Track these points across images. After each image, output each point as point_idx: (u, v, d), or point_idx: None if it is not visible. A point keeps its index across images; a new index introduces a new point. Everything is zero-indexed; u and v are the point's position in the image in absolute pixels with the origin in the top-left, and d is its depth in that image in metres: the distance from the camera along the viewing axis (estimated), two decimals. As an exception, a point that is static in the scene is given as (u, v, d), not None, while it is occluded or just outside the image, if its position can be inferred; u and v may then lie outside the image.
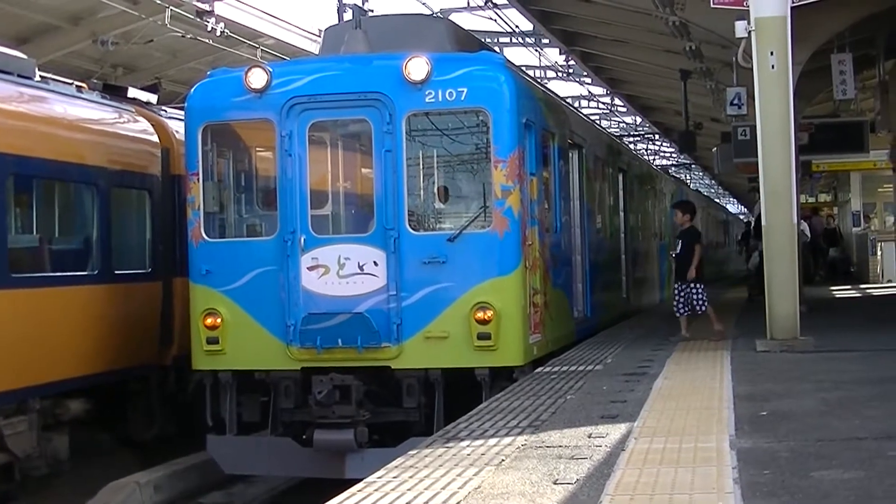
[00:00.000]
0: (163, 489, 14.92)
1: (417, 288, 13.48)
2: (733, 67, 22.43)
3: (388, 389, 13.80)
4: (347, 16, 20.49)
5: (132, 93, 18.15)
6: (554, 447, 8.87)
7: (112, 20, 25.55)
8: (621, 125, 51.16)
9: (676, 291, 16.86)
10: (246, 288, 13.89)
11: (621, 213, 23.08)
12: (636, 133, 51.39)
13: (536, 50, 35.34)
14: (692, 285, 16.63)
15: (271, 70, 13.97)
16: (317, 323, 13.60)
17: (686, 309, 16.77)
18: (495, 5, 29.27)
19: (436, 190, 14.42)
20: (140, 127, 17.10)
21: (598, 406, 10.83)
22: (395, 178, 13.57)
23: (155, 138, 17.20)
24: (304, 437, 13.88)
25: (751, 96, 18.41)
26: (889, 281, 35.43)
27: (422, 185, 14.28)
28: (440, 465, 8.44)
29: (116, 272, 15.91)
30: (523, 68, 26.71)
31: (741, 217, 77.84)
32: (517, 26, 32.06)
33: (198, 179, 14.19)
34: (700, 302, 16.71)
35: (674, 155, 59.10)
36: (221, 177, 14.73)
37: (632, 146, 45.37)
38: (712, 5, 15.86)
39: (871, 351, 14.87)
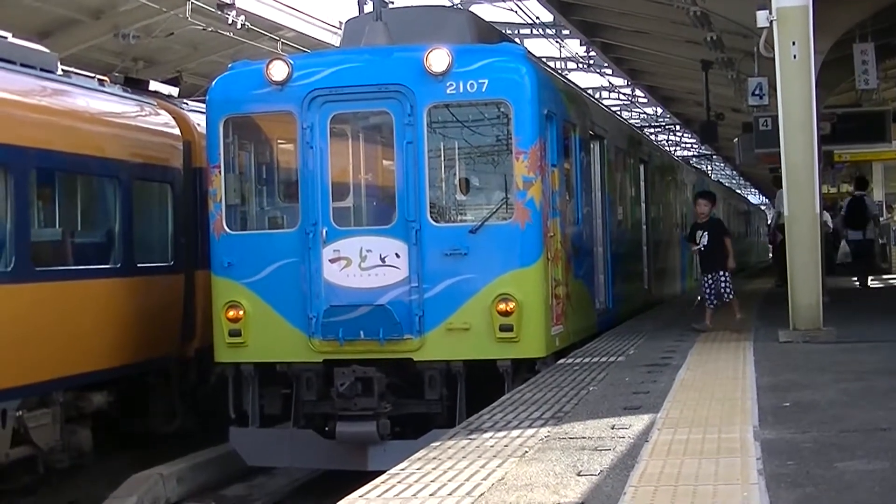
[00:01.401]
0: (185, 481, 14.98)
1: (439, 280, 13.48)
2: (755, 57, 22.35)
3: (410, 381, 13.80)
4: (368, 8, 20.47)
5: (153, 86, 18.18)
6: (577, 438, 8.87)
7: (133, 14, 25.61)
8: (642, 116, 51.08)
9: (708, 283, 16.76)
10: (268, 280, 13.91)
11: (643, 204, 23.04)
12: (657, 124, 51.29)
13: (557, 41, 35.31)
14: (721, 275, 16.60)
15: (292, 62, 13.97)
16: (339, 315, 13.62)
17: (715, 300, 16.73)
18: (516, -4, 29.26)
19: (457, 182, 14.41)
20: (162, 120, 17.14)
21: (620, 397, 10.82)
22: (417, 170, 13.56)
23: (176, 131, 17.24)
24: (326, 429, 13.91)
25: (772, 86, 18.36)
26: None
27: (443, 177, 14.26)
28: (463, 457, 8.44)
29: (139, 265, 15.96)
30: (544, 59, 26.67)
31: (762, 208, 77.66)
32: (537, 17, 32.07)
33: (219, 172, 14.21)
34: (727, 290, 16.71)
35: (695, 146, 58.97)
36: (243, 169, 14.75)
37: (653, 137, 45.30)
38: (734, -5, 15.82)
39: (893, 341, 14.80)
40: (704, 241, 16.73)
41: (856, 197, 29.35)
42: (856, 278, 29.23)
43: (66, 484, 15.05)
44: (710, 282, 16.70)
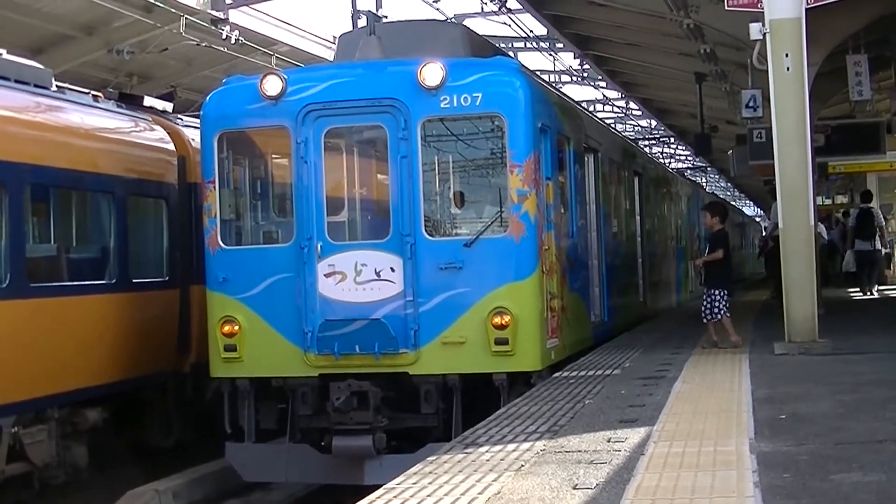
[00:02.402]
0: (181, 496, 14.95)
1: (434, 294, 13.48)
2: (748, 70, 22.39)
3: (406, 395, 13.78)
4: (362, 22, 20.54)
5: (148, 101, 18.21)
6: (573, 452, 8.87)
7: (127, 29, 25.63)
8: (636, 128, 51.18)
9: (706, 297, 16.15)
10: (263, 295, 13.90)
11: (637, 217, 23.04)
12: (651, 136, 51.38)
13: (551, 54, 35.39)
14: (714, 291, 16.06)
15: (286, 77, 13.98)
16: (334, 329, 13.61)
17: (713, 315, 16.24)
18: (509, 10, 29.29)
19: (452, 195, 14.39)
20: (156, 135, 17.14)
21: (616, 410, 10.82)
22: (411, 184, 13.56)
23: (171, 146, 17.24)
24: (322, 443, 13.89)
25: (766, 98, 18.35)
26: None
27: (438, 191, 14.25)
28: (459, 471, 8.44)
29: (134, 280, 15.95)
30: (538, 73, 26.69)
31: (757, 220, 77.73)
32: (531, 31, 32.11)
33: (214, 187, 14.21)
34: (720, 307, 15.96)
35: (689, 158, 59.03)
36: (237, 184, 14.77)
37: (647, 149, 45.34)
38: (727, 8, 15.82)
39: (889, 353, 14.81)
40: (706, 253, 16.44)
41: (864, 209, 29.94)
42: (858, 288, 29.52)
43: (62, 500, 15.02)
44: (708, 295, 16.21)
